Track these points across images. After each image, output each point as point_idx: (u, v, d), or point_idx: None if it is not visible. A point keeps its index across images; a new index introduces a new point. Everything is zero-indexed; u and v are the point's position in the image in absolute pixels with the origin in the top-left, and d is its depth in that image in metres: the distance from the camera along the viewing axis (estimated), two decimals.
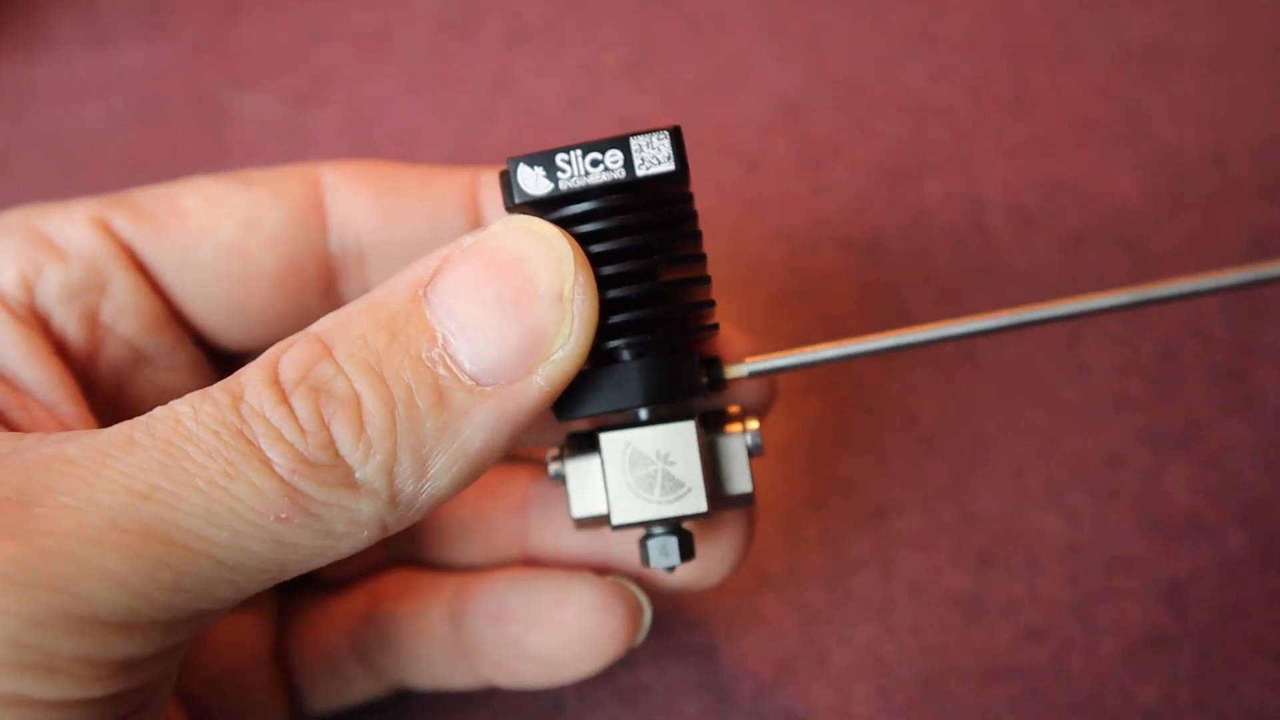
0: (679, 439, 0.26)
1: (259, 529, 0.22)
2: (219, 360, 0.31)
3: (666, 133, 0.24)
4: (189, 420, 0.22)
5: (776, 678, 0.34)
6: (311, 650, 0.32)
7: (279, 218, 0.29)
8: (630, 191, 0.24)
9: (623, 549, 0.30)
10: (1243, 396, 0.38)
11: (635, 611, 0.30)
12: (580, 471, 0.27)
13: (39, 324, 0.27)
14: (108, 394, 0.28)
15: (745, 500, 0.27)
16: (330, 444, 0.22)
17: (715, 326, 0.26)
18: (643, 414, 0.26)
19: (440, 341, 0.23)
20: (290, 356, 0.23)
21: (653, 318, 0.25)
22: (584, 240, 0.24)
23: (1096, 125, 0.44)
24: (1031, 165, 0.43)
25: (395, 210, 0.29)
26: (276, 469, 0.22)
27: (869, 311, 0.40)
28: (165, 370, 0.29)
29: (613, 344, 0.25)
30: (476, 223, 0.29)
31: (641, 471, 0.26)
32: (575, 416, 0.25)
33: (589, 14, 0.47)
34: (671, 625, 0.35)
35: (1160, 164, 0.43)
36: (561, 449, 0.28)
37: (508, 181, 0.24)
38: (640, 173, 0.24)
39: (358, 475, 0.22)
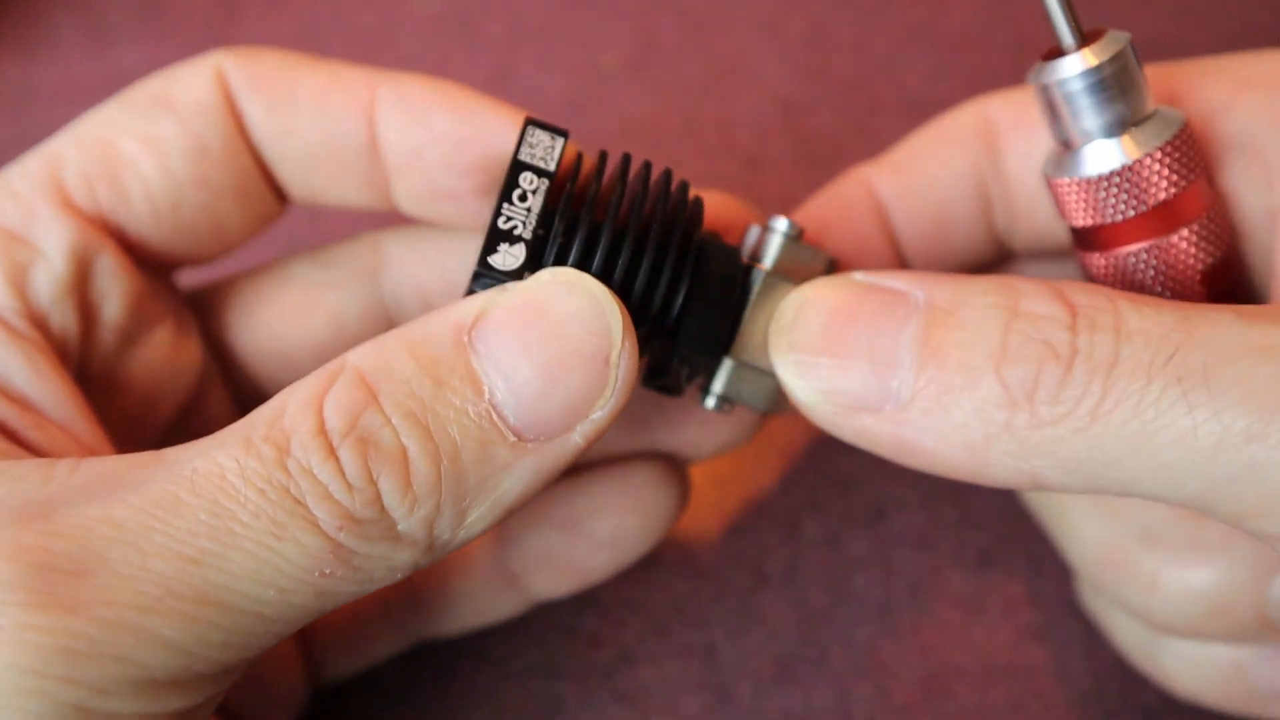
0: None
1: (304, 585, 0.22)
2: (205, 333, 0.31)
3: (530, 126, 0.25)
4: (234, 477, 0.22)
5: (776, 678, 0.34)
6: (334, 614, 0.32)
7: (219, 138, 0.29)
8: (562, 184, 0.25)
9: (670, 439, 0.32)
10: None
11: (686, 478, 0.33)
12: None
13: (39, 328, 0.27)
14: (98, 380, 0.28)
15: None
16: (377, 500, 0.22)
17: (698, 202, 0.27)
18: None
19: (487, 397, 0.23)
20: (336, 401, 0.23)
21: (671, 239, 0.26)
22: (587, 255, 0.25)
23: None
24: None
25: (290, 123, 0.29)
26: (323, 527, 0.22)
27: None
28: (148, 348, 0.29)
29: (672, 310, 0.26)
30: (372, 140, 0.29)
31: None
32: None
33: (589, 14, 0.47)
34: (672, 625, 0.35)
35: None
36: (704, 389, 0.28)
37: (489, 275, 0.25)
38: (552, 166, 0.25)
39: (400, 528, 0.23)
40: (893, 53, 0.46)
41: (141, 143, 0.28)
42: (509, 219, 0.25)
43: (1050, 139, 0.28)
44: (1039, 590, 0.35)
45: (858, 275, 0.26)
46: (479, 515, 0.23)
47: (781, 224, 0.28)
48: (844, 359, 0.25)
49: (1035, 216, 0.31)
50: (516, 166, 0.25)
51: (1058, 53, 0.26)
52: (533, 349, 0.23)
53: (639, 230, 0.25)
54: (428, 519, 0.23)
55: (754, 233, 0.29)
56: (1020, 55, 0.46)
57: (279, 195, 0.30)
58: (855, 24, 0.47)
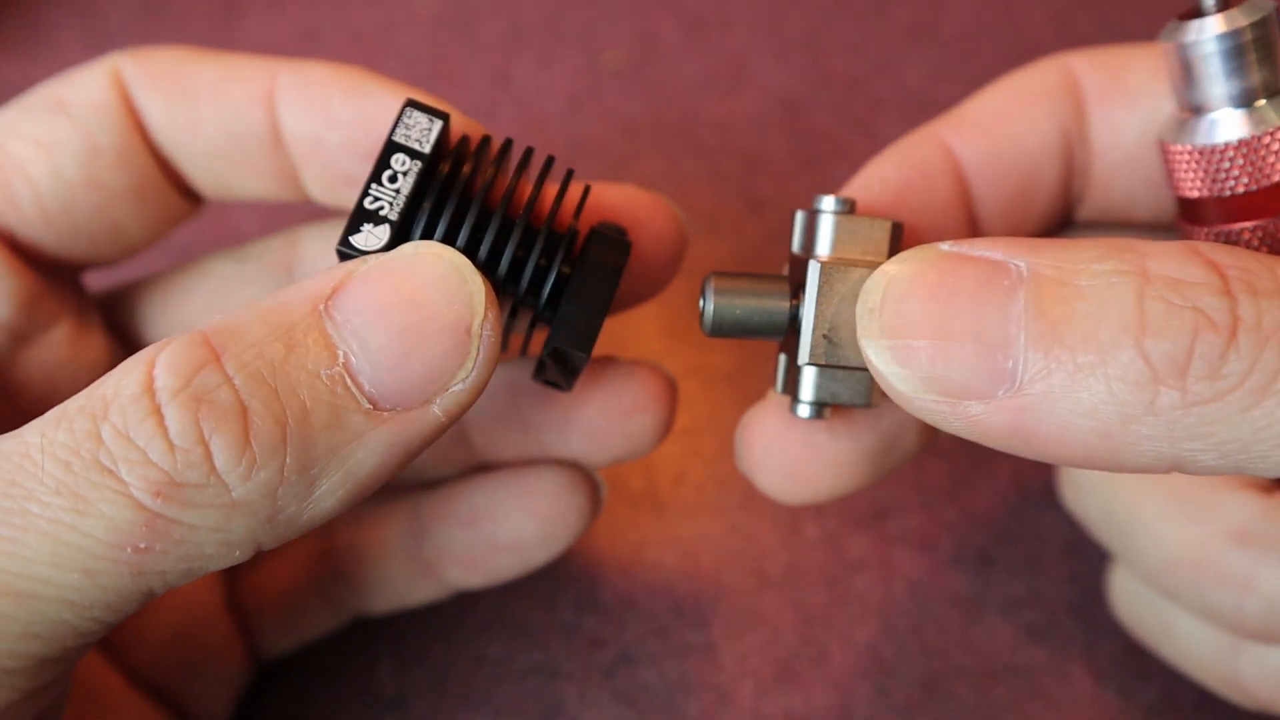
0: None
1: (114, 564, 0.20)
2: (111, 322, 0.31)
3: (408, 108, 0.25)
4: (36, 453, 0.21)
5: (776, 678, 0.34)
6: (268, 592, 0.33)
7: (112, 139, 0.28)
8: (437, 165, 0.25)
9: (560, 445, 0.31)
10: None
11: (594, 488, 0.31)
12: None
13: None
14: None
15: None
16: (204, 461, 0.21)
17: (586, 189, 0.27)
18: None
19: (341, 360, 0.22)
20: (170, 360, 0.21)
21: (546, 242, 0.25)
22: (452, 232, 0.24)
23: None
24: None
25: (191, 117, 0.28)
26: (136, 494, 0.20)
27: None
28: (45, 348, 0.29)
29: (543, 294, 0.25)
30: (274, 129, 0.28)
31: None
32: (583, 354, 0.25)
33: (589, 14, 0.47)
34: (672, 625, 0.35)
35: None
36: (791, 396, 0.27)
37: (352, 254, 0.24)
38: (427, 148, 0.24)
39: (235, 494, 0.21)
40: (893, 53, 0.46)
41: (32, 145, 0.28)
42: (376, 199, 0.24)
43: (1150, 107, 0.27)
44: (1039, 590, 0.35)
45: (944, 246, 0.23)
46: (329, 488, 0.22)
47: (828, 202, 0.26)
48: (947, 340, 0.22)
49: (1111, 190, 0.29)
50: (390, 147, 0.24)
51: (1196, 13, 0.25)
52: (390, 315, 0.22)
53: (506, 211, 0.25)
54: (269, 484, 0.21)
55: (800, 219, 0.27)
56: (1020, 55, 0.46)
57: (185, 194, 0.30)
58: (855, 24, 0.47)
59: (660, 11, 0.47)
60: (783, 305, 0.26)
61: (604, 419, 0.30)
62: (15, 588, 0.20)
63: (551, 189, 0.26)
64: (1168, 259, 0.21)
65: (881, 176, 0.29)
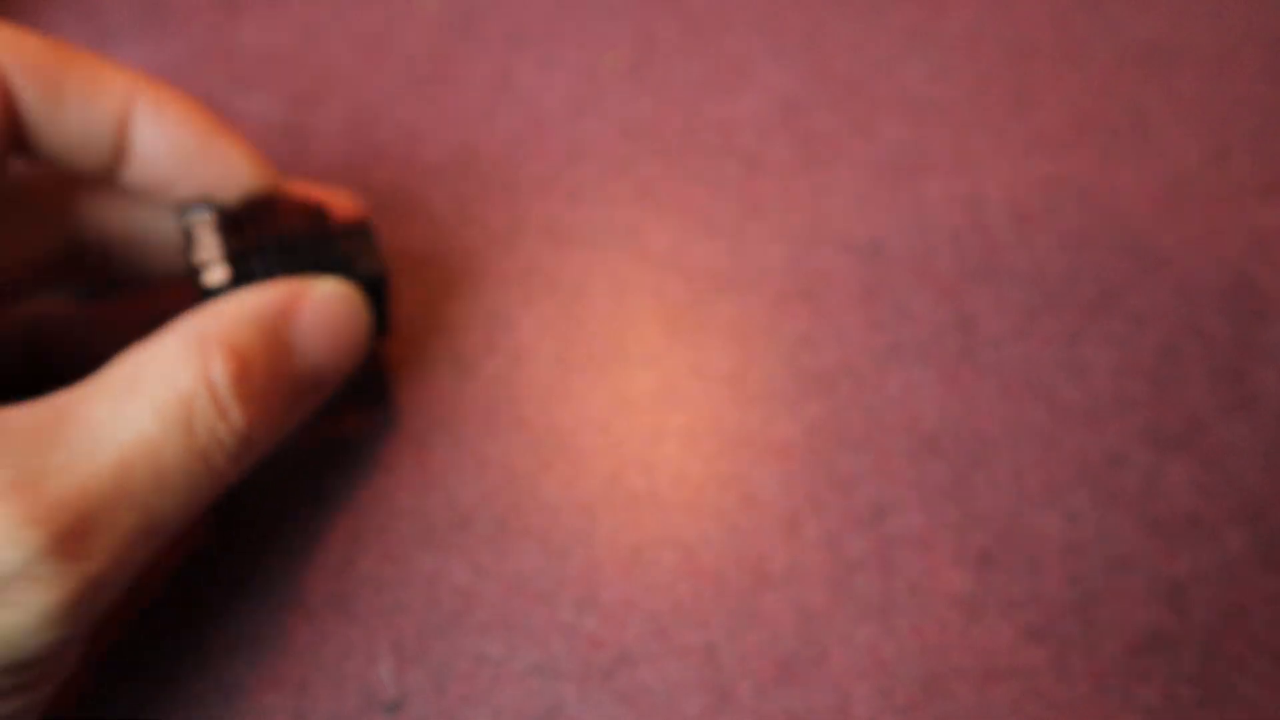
0: None
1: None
2: None
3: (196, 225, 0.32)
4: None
5: (776, 678, 0.34)
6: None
7: None
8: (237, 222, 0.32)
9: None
10: (1243, 396, 0.38)
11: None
12: None
13: None
14: None
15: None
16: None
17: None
18: None
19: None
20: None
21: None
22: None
23: (1096, 125, 0.44)
24: (1032, 165, 0.43)
25: (53, 114, 0.31)
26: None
27: (869, 311, 0.40)
28: None
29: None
30: (124, 143, 0.31)
31: None
32: None
33: (589, 14, 0.47)
34: (671, 625, 0.35)
35: (1160, 164, 0.43)
36: None
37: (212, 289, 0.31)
38: (215, 221, 0.32)
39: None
40: (892, 53, 0.46)
41: None
42: (206, 251, 0.31)
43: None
44: (1039, 590, 0.35)
45: None
46: None
47: None
48: None
49: None
50: (192, 235, 0.32)
51: None
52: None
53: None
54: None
55: None
56: (1020, 55, 0.46)
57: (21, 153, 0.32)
58: (855, 24, 0.47)
59: (660, 11, 0.47)
60: None
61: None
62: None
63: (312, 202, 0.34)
64: None
65: None
